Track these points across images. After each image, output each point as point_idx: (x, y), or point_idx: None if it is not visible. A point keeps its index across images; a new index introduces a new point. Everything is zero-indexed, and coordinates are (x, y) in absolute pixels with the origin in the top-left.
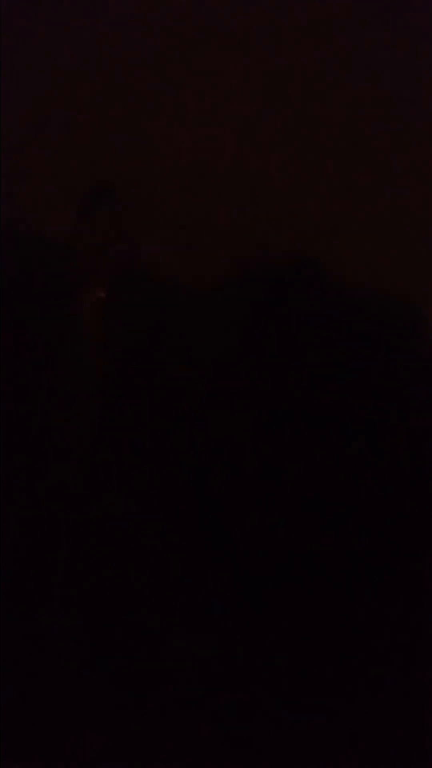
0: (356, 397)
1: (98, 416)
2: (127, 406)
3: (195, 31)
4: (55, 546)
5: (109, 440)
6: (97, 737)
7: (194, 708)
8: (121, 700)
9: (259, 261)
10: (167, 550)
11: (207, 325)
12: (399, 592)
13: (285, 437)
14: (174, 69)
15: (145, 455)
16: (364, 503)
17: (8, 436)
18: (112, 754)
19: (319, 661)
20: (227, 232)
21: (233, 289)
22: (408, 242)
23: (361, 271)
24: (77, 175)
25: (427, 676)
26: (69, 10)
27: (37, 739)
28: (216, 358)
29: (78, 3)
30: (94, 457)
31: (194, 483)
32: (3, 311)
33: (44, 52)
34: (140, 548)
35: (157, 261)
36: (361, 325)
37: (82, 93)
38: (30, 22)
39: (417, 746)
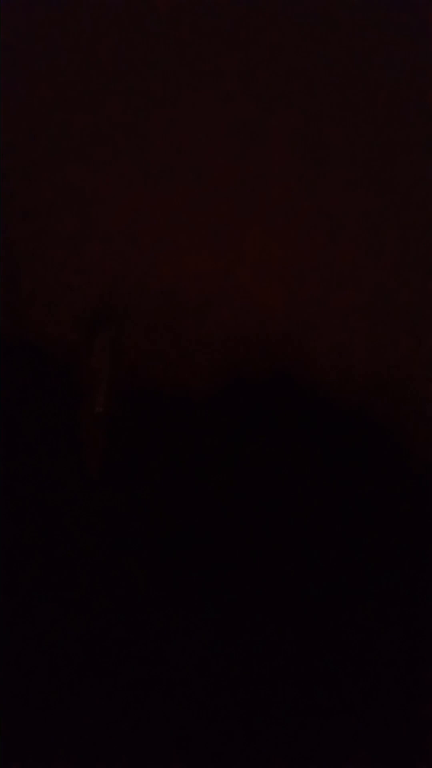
0: (338, 514)
1: (96, 527)
2: (125, 517)
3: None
4: (55, 546)
5: (109, 553)
6: (97, 737)
7: (194, 708)
8: (121, 700)
9: (242, 376)
10: (167, 551)
11: (199, 438)
12: (399, 593)
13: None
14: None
15: (145, 566)
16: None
17: (6, 550)
18: (112, 754)
19: (319, 662)
20: (218, 347)
21: (222, 404)
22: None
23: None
24: (81, 290)
25: (427, 676)
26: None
27: (37, 739)
28: (208, 470)
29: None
30: (95, 565)
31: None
32: (5, 421)
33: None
34: (140, 550)
35: (153, 378)
36: (341, 443)
37: (91, 209)
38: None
39: (417, 746)
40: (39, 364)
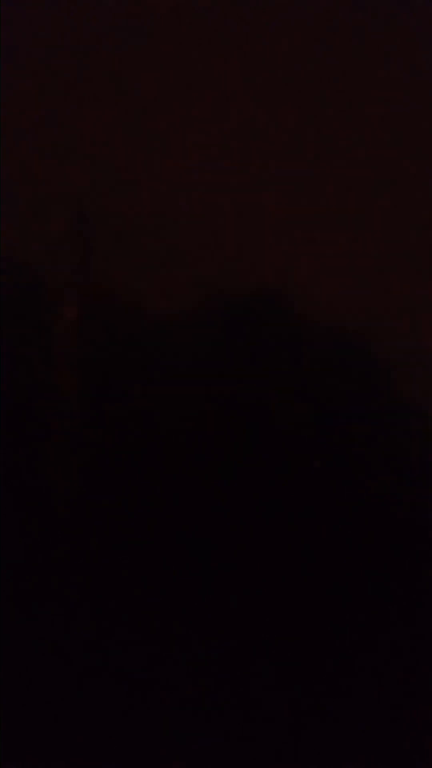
0: (319, 424)
1: (71, 434)
2: (97, 423)
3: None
4: (55, 547)
5: (84, 457)
6: (97, 737)
7: (194, 708)
8: (121, 701)
9: (222, 289)
10: (167, 552)
11: (173, 347)
12: (399, 594)
13: (247, 458)
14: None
15: (118, 474)
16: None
17: None
18: (112, 754)
19: (319, 662)
20: (196, 259)
21: (200, 315)
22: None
23: (326, 302)
24: (54, 199)
25: (427, 677)
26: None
27: (37, 739)
28: (181, 380)
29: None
30: (72, 473)
31: (168, 495)
32: None
33: (38, 61)
34: (139, 550)
35: (128, 286)
36: (322, 354)
37: (69, 129)
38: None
39: (417, 746)
40: (13, 273)
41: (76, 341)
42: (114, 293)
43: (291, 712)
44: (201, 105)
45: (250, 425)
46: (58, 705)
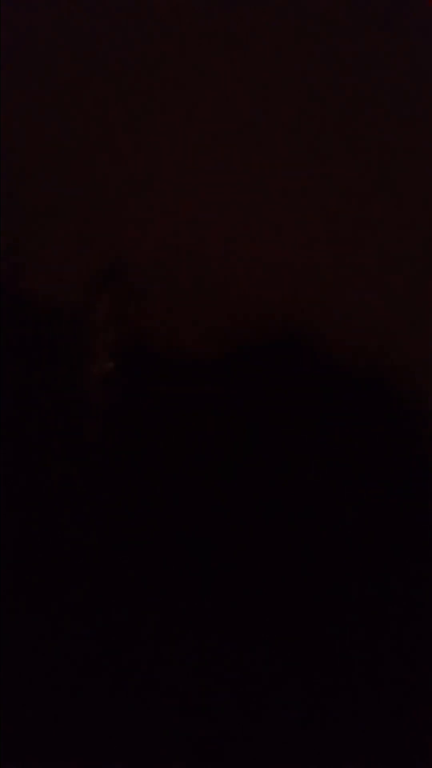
0: (346, 473)
1: (101, 486)
2: (129, 477)
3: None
4: (55, 548)
5: (113, 510)
6: (97, 737)
7: (194, 708)
8: (122, 700)
9: (250, 338)
10: (167, 553)
11: (204, 398)
12: (399, 593)
13: (275, 510)
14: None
15: (146, 522)
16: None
17: (12, 511)
18: (112, 754)
19: (319, 662)
20: (226, 306)
21: (230, 364)
22: (406, 316)
23: (355, 348)
24: (88, 250)
25: (427, 677)
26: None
27: (37, 739)
28: (213, 430)
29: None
30: (98, 523)
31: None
32: (10, 378)
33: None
34: (139, 552)
35: (160, 337)
36: (353, 404)
37: (98, 177)
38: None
39: (417, 746)
40: (45, 323)
41: (109, 392)
42: (147, 344)
43: (291, 712)
44: (231, 151)
45: (281, 474)
46: (58, 705)
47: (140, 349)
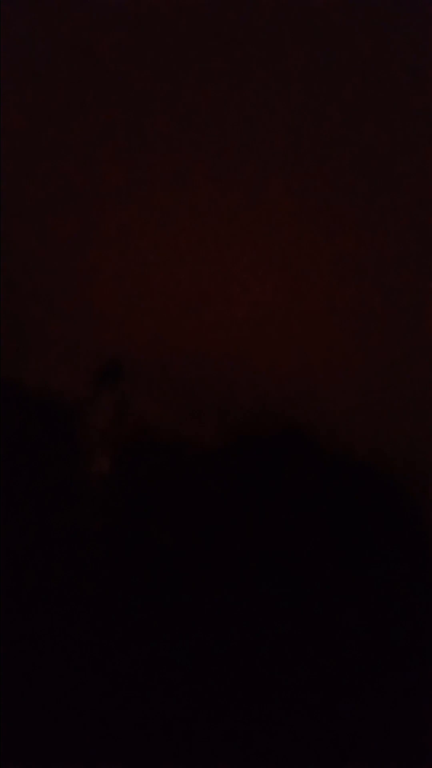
0: (346, 565)
1: (101, 585)
2: (129, 578)
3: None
4: (55, 549)
5: (114, 607)
6: (97, 737)
7: (194, 708)
8: (122, 700)
9: (249, 430)
10: (167, 554)
11: (206, 493)
12: (399, 593)
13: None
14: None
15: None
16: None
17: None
18: (112, 754)
19: (319, 662)
20: (225, 401)
21: (229, 458)
22: (408, 406)
23: (355, 440)
24: (86, 345)
25: (427, 677)
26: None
27: (37, 739)
28: (215, 529)
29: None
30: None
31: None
32: (7, 475)
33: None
34: (139, 553)
35: (159, 433)
36: (354, 494)
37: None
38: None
39: (417, 746)
40: (44, 419)
41: (107, 492)
42: (146, 442)
43: (291, 712)
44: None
45: (283, 567)
46: (58, 705)
47: (141, 445)
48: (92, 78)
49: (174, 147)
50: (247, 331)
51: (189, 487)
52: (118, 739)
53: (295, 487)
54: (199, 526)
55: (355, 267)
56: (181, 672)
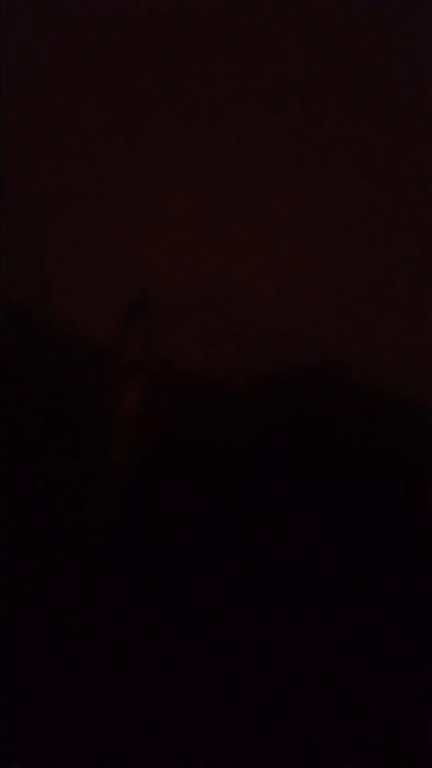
0: (375, 502)
1: (129, 516)
2: (158, 507)
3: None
4: (56, 549)
5: (139, 538)
6: (97, 737)
7: (194, 708)
8: (122, 701)
9: (282, 363)
10: (166, 556)
11: (236, 426)
12: (399, 593)
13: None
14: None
15: (173, 551)
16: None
17: (33, 538)
18: (112, 754)
19: (319, 663)
20: (254, 335)
21: (261, 392)
22: None
23: (386, 374)
24: (115, 282)
25: (427, 677)
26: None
27: (37, 739)
28: (244, 461)
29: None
30: (123, 552)
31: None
32: (38, 411)
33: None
34: (139, 556)
35: (188, 365)
36: (386, 427)
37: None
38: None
39: (417, 746)
40: (75, 354)
41: (138, 423)
42: (175, 371)
43: (291, 712)
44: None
45: (314, 501)
46: (58, 705)
47: (169, 379)
48: (92, 78)
49: (174, 147)
50: (274, 265)
51: (218, 421)
52: (119, 739)
53: (322, 423)
54: (225, 450)
55: (355, 267)
56: (181, 672)
